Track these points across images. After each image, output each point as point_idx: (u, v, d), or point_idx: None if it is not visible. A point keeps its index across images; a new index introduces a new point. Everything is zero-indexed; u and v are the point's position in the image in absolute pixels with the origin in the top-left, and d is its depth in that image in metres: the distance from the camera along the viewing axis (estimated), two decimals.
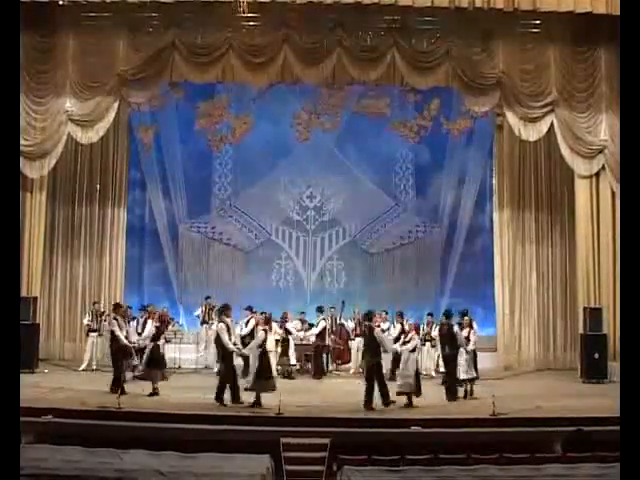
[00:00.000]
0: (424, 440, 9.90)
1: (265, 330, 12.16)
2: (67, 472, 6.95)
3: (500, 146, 17.47)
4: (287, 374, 15.17)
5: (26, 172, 14.95)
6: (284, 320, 15.52)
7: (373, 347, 12.06)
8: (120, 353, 12.76)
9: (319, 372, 15.42)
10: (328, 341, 15.78)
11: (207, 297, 16.19)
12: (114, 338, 12.86)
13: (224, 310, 12.56)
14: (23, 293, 14.83)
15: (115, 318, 13.01)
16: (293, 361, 15.41)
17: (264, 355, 11.86)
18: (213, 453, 8.05)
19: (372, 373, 11.92)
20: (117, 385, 12.32)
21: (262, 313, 15.32)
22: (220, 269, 18.22)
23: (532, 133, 15.44)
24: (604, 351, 14.88)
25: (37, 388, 12.61)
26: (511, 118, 15.40)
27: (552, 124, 15.24)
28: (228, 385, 11.91)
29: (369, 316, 12.49)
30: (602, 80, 15.22)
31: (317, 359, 15.60)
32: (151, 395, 12.36)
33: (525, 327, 17.13)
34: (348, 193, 18.34)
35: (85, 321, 15.72)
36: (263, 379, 11.70)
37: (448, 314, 13.46)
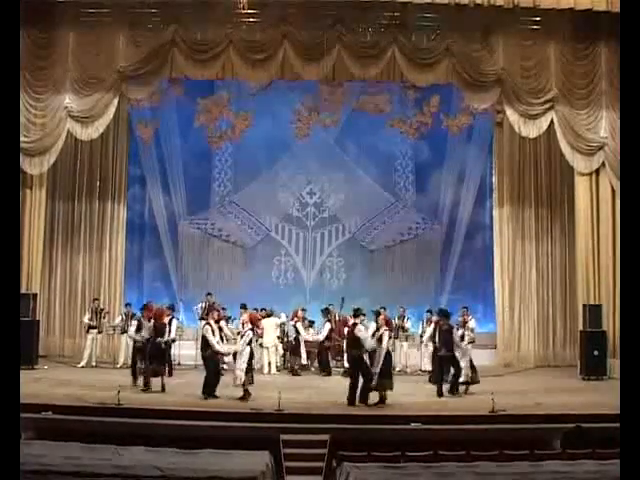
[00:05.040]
0: (424, 437, 9.90)
1: (389, 331, 12.43)
2: (66, 468, 6.94)
3: (500, 143, 17.47)
4: (294, 372, 15.29)
5: (26, 168, 14.94)
6: (294, 319, 15.66)
7: (449, 342, 12.84)
8: (213, 359, 12.52)
9: (326, 369, 15.47)
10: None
11: (208, 293, 16.18)
12: (206, 344, 12.48)
13: (358, 314, 12.58)
14: (23, 289, 14.81)
15: (208, 323, 12.72)
16: (304, 360, 15.57)
17: (388, 355, 12.17)
18: (212, 449, 8.04)
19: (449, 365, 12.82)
20: (210, 390, 12.15)
21: (262, 309, 15.44)
22: (220, 266, 18.22)
23: (532, 130, 15.44)
24: (603, 348, 14.89)
25: (37, 384, 12.61)
26: (511, 115, 15.40)
27: (552, 121, 15.25)
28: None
29: (445, 314, 13.21)
30: (602, 77, 15.22)
31: (321, 357, 15.63)
32: (242, 398, 11.98)
33: (525, 324, 17.14)
34: (348, 190, 18.33)
35: (85, 319, 15.72)
36: (387, 378, 11.94)
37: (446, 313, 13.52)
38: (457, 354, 12.89)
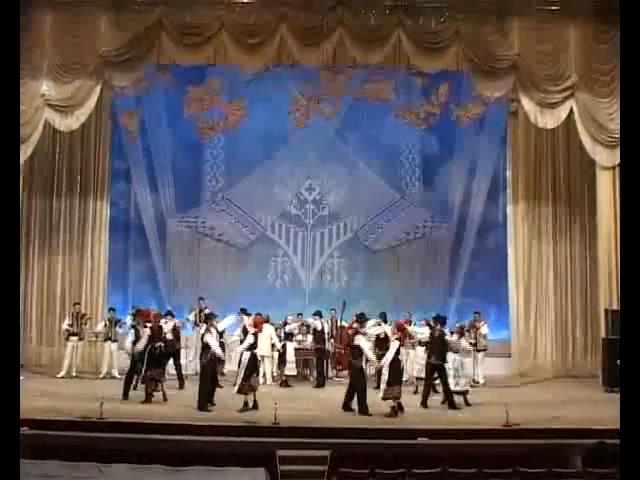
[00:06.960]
0: (431, 452, 9.92)
1: (398, 339, 12.63)
2: None
3: (514, 134, 17.47)
4: (284, 382, 15.22)
5: None
6: (284, 326, 15.71)
7: (440, 350, 13.01)
8: (213, 366, 12.71)
9: (321, 380, 15.41)
10: (328, 345, 15.78)
11: (200, 298, 16.19)
12: (207, 349, 12.60)
13: (361, 319, 12.80)
14: None
15: (208, 329, 12.79)
16: (292, 369, 15.54)
17: (396, 362, 12.28)
18: (203, 467, 8.04)
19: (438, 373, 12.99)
20: (207, 399, 12.29)
21: (258, 314, 15.42)
22: (211, 267, 18.19)
23: (549, 120, 15.44)
24: None
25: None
26: (527, 104, 15.39)
27: (571, 110, 15.26)
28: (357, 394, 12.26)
29: (441, 319, 13.33)
30: None
31: (318, 366, 15.63)
32: (243, 411, 12.02)
33: (542, 330, 17.13)
34: (350, 185, 18.34)
35: (65, 325, 15.71)
36: (395, 386, 12.03)
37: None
38: (448, 363, 12.98)
